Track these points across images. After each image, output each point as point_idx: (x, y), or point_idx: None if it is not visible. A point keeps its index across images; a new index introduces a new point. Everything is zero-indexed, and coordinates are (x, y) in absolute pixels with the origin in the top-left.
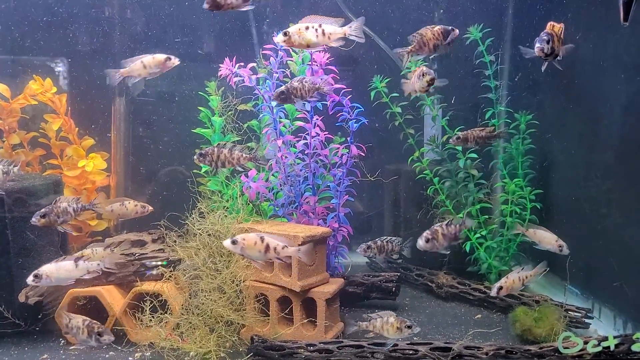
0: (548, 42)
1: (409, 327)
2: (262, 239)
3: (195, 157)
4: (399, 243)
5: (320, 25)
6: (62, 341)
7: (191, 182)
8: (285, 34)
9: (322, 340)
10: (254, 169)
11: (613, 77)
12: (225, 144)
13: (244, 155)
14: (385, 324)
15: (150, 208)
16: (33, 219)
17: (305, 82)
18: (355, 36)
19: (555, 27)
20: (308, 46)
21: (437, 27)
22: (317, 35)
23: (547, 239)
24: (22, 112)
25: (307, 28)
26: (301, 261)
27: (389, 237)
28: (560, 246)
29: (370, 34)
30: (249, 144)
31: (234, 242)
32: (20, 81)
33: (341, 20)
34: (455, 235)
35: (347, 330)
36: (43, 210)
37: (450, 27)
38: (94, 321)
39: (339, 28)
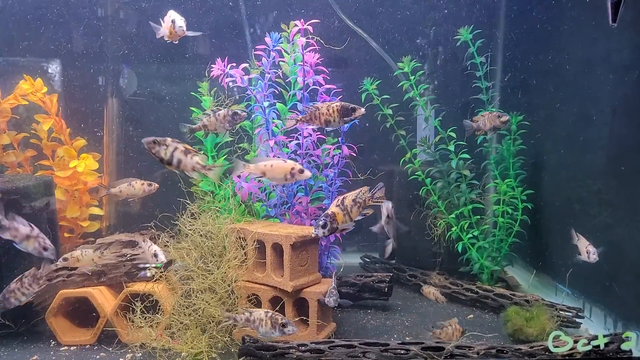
0: (324, 227)
1: (463, 332)
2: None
3: None
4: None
5: None
6: (53, 342)
7: (183, 183)
8: None
9: (313, 340)
10: None
11: (602, 78)
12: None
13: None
14: (455, 332)
15: (157, 185)
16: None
17: None
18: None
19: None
20: None
21: (335, 105)
22: None
23: (580, 246)
24: (15, 113)
25: None
26: (293, 261)
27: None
28: (588, 252)
29: (363, 34)
30: (241, 144)
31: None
32: (11, 81)
33: None
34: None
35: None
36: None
37: (350, 107)
38: (276, 313)
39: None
